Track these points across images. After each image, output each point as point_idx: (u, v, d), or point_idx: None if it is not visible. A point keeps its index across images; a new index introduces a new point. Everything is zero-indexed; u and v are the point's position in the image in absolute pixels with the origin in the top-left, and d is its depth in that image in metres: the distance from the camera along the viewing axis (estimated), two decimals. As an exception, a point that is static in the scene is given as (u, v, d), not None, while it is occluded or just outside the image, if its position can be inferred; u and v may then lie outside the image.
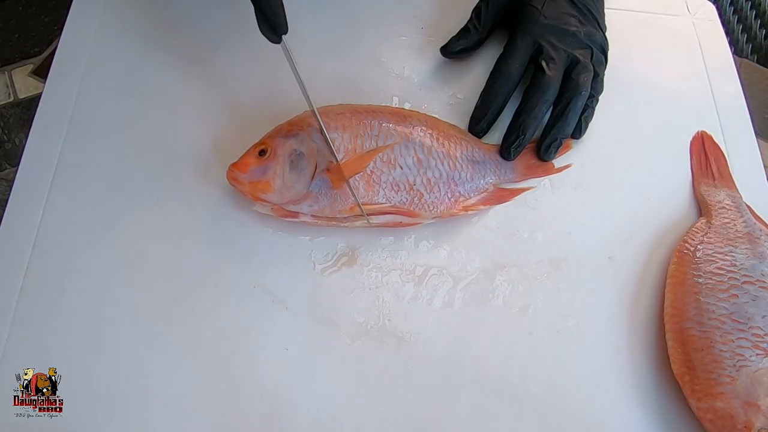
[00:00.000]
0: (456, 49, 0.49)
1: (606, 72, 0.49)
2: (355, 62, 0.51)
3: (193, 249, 0.43)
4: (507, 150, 0.46)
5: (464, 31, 0.49)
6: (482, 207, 0.44)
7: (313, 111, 0.41)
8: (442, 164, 0.43)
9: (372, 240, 0.44)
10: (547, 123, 0.47)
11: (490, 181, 0.45)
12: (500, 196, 0.45)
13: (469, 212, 0.44)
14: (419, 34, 0.54)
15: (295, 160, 0.41)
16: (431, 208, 0.43)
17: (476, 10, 0.50)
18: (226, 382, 0.39)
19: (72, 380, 0.38)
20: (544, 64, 0.46)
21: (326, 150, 0.41)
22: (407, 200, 0.42)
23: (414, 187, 0.42)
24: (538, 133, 0.47)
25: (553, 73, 0.46)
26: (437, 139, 0.44)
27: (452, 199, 0.43)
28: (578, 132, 0.48)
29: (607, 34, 0.50)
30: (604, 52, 0.49)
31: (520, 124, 0.46)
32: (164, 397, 0.38)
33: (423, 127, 0.44)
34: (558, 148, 0.47)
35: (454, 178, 0.44)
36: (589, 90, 0.47)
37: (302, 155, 0.41)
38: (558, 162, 0.47)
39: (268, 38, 0.40)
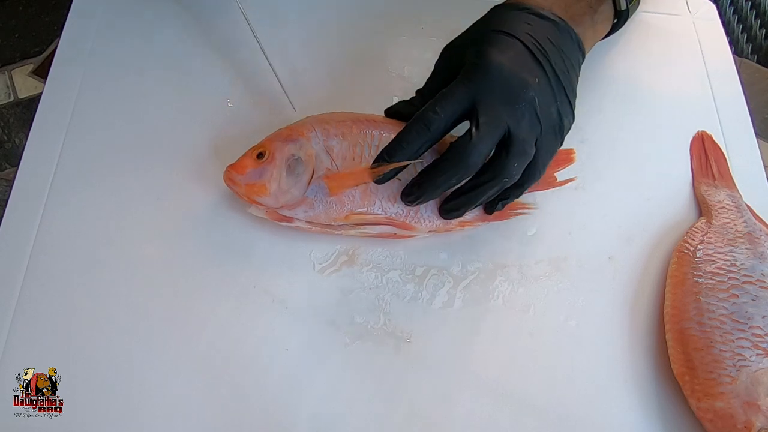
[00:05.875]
0: (393, 113, 0.44)
1: (606, 72, 0.49)
2: (355, 62, 0.51)
3: (193, 249, 0.43)
4: (404, 198, 0.41)
5: (408, 102, 0.44)
6: (479, 224, 0.44)
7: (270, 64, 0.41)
8: None
9: (372, 240, 0.44)
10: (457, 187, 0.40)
11: None
12: (499, 213, 0.44)
13: (465, 228, 0.44)
14: (419, 34, 0.54)
15: (292, 165, 0.41)
16: (427, 221, 0.43)
17: (428, 78, 0.44)
18: (226, 382, 0.39)
19: (72, 380, 0.38)
20: (472, 126, 0.37)
21: (325, 157, 0.41)
22: (403, 212, 0.42)
23: None
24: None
25: (478, 140, 0.37)
26: (437, 152, 0.43)
27: None
28: (490, 207, 0.42)
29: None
30: (558, 132, 0.40)
31: (420, 185, 0.39)
32: (164, 397, 0.38)
33: None
34: (459, 216, 0.41)
35: None
36: (515, 180, 0.39)
37: (300, 160, 0.41)
38: (561, 175, 0.46)
39: None
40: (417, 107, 0.42)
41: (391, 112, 0.45)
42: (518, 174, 0.39)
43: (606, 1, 0.44)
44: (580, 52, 0.43)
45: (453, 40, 0.43)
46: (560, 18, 0.41)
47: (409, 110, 0.43)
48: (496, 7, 0.43)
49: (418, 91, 0.44)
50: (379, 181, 0.40)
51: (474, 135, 0.37)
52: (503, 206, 0.42)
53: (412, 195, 0.40)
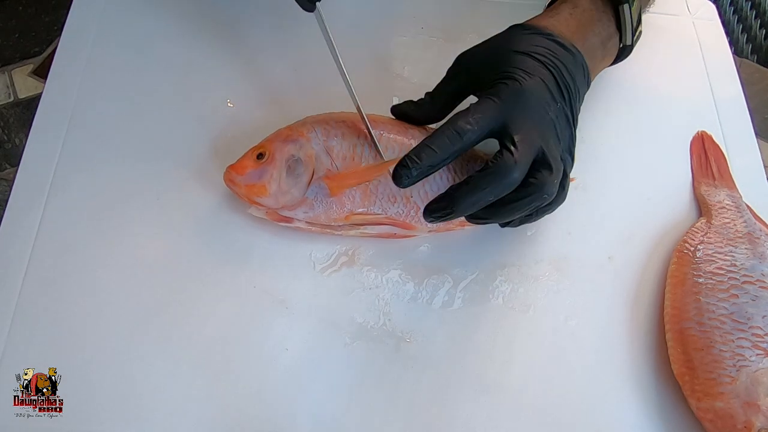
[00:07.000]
0: (401, 115, 0.44)
1: (606, 72, 0.49)
2: (355, 62, 0.51)
3: (193, 249, 0.43)
4: (428, 215, 0.38)
5: (417, 102, 0.44)
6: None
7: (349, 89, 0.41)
8: (441, 178, 0.43)
9: (372, 240, 0.44)
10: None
11: None
12: None
13: (465, 227, 0.44)
14: (419, 34, 0.54)
15: (292, 166, 0.41)
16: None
17: (439, 83, 0.44)
18: (226, 382, 0.39)
19: (72, 380, 0.38)
20: (508, 144, 0.37)
21: (325, 157, 0.41)
22: (403, 212, 0.42)
23: (411, 200, 0.42)
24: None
25: (520, 157, 0.36)
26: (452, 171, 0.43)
27: None
28: (507, 223, 0.42)
29: None
30: (572, 155, 0.41)
31: (454, 199, 0.36)
32: (164, 397, 0.38)
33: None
34: (484, 224, 0.40)
35: None
36: (552, 197, 0.38)
37: (300, 161, 0.41)
38: None
39: (302, 6, 0.39)
40: (425, 109, 0.43)
41: (398, 112, 0.44)
42: (555, 190, 0.38)
43: (614, 36, 0.45)
44: (586, 85, 0.44)
45: (470, 51, 0.43)
46: (578, 50, 0.42)
47: (416, 111, 0.43)
48: (518, 27, 0.43)
49: (427, 94, 0.44)
50: (402, 182, 0.37)
51: (515, 152, 0.37)
52: (520, 224, 0.42)
53: (440, 211, 0.37)
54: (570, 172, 0.41)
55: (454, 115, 0.38)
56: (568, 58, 0.41)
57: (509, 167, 0.36)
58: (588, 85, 0.44)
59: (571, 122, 0.41)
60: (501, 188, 0.36)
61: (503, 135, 0.38)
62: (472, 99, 0.41)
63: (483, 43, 0.43)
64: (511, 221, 0.41)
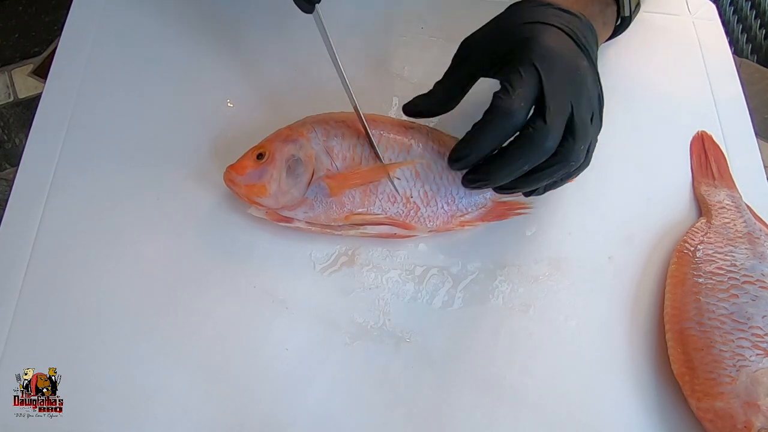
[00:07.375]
0: (415, 111, 0.43)
1: (606, 72, 0.49)
2: (355, 62, 0.51)
3: (193, 249, 0.43)
4: (465, 183, 0.40)
5: (428, 94, 0.43)
6: (480, 223, 0.44)
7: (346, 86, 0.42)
8: (441, 178, 0.43)
9: (372, 240, 0.44)
10: None
11: (489, 196, 0.44)
12: (499, 212, 0.44)
13: (465, 227, 0.44)
14: (419, 34, 0.54)
15: (292, 166, 0.41)
16: (428, 221, 0.43)
17: (448, 69, 0.43)
18: (226, 382, 0.39)
19: (72, 380, 0.38)
20: (544, 111, 0.37)
21: (325, 157, 0.42)
22: (403, 212, 0.42)
23: (411, 200, 0.42)
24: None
25: (552, 124, 0.36)
26: (438, 152, 0.43)
27: (449, 214, 0.43)
28: (531, 192, 0.41)
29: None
30: (601, 118, 0.41)
31: (490, 172, 0.38)
32: (164, 397, 0.38)
33: (424, 140, 0.44)
34: (510, 194, 0.41)
35: (452, 193, 0.43)
36: (580, 163, 0.39)
37: (299, 161, 0.41)
38: None
39: (301, 8, 0.40)
40: (437, 97, 0.42)
41: (410, 109, 0.44)
42: (583, 157, 0.38)
43: (611, 5, 0.45)
44: (596, 47, 0.43)
45: (475, 34, 0.42)
46: (582, 15, 0.42)
47: (429, 102, 0.43)
48: (516, 4, 0.43)
49: (437, 83, 0.43)
50: (470, 180, 0.39)
51: (548, 120, 0.36)
52: (545, 191, 0.41)
53: (477, 182, 0.39)
54: (597, 135, 0.40)
55: (496, 97, 0.37)
56: (577, 22, 0.41)
57: (542, 135, 0.36)
58: (597, 49, 0.43)
59: (598, 82, 0.41)
60: (535, 158, 0.37)
61: (539, 102, 0.37)
62: (481, 81, 0.41)
63: (486, 24, 0.42)
64: (536, 189, 0.41)
